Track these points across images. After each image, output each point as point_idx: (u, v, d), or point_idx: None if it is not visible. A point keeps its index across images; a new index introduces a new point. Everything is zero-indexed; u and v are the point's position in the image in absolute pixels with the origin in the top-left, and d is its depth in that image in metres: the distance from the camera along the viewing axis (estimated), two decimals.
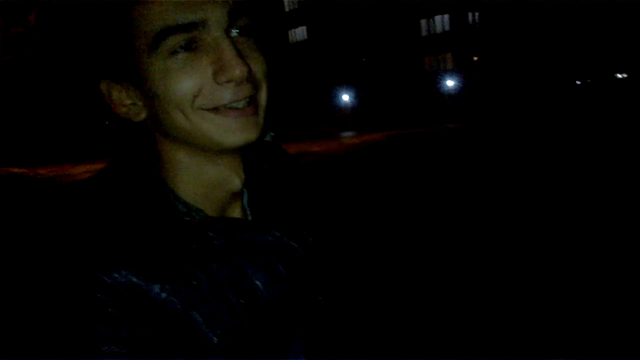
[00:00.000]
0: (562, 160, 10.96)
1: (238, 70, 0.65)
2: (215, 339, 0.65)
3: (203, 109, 0.66)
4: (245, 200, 0.79)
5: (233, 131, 0.68)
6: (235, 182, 0.75)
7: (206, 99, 0.66)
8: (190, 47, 0.64)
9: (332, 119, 28.77)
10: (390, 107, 27.85)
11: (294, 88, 30.86)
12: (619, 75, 29.64)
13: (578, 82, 29.55)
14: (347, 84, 29.82)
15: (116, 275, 0.61)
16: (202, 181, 0.72)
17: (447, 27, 31.06)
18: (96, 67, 0.68)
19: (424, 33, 31.92)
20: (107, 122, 0.78)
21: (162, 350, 0.61)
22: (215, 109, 0.67)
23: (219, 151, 0.70)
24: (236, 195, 0.77)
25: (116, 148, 0.76)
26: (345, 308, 0.86)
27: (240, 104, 0.68)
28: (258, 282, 0.71)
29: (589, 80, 29.35)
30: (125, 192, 0.68)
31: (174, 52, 0.64)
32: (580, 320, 3.51)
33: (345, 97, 29.77)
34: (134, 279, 0.61)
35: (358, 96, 29.20)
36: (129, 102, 0.68)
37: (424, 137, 18.41)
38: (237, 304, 0.68)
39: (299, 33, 37.30)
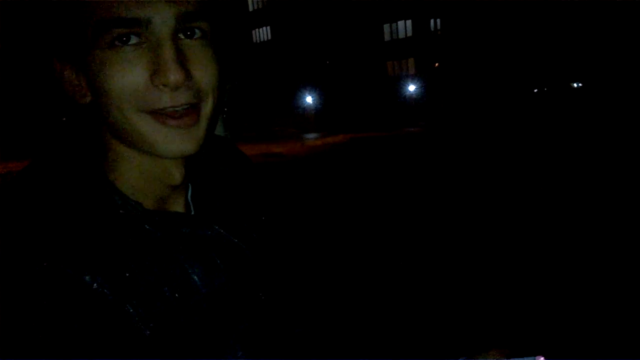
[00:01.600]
0: (517, 162, 11.23)
1: (172, 76, 0.63)
2: (147, 332, 0.63)
3: (140, 111, 0.65)
4: (189, 196, 0.78)
5: (170, 141, 0.66)
6: (176, 176, 0.72)
7: (142, 100, 0.64)
8: (129, 42, 0.62)
9: (295, 120, 28.77)
10: (353, 110, 28.02)
11: (257, 88, 30.71)
12: (575, 85, 30.56)
13: (535, 90, 30.32)
14: (311, 86, 29.86)
15: (48, 264, 0.59)
16: (142, 174, 0.71)
17: (409, 33, 31.49)
18: (48, 46, 0.67)
19: (386, 38, 32.28)
20: (63, 118, 0.76)
21: (95, 341, 0.60)
22: (152, 112, 0.65)
23: (159, 155, 0.68)
24: (179, 190, 0.75)
25: (54, 135, 0.74)
26: (290, 306, 0.84)
27: (178, 111, 0.65)
28: (195, 277, 0.69)
29: (545, 89, 30.16)
30: (59, 182, 0.66)
31: (113, 46, 0.62)
32: (580, 320, 3.53)
33: (309, 99, 29.80)
34: (67, 270, 0.59)
35: (321, 98, 29.28)
36: (76, 82, 0.67)
37: (385, 140, 18.62)
38: (171, 297, 0.66)
39: (263, 33, 37.17)
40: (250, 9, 37.35)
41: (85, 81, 0.66)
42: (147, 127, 0.65)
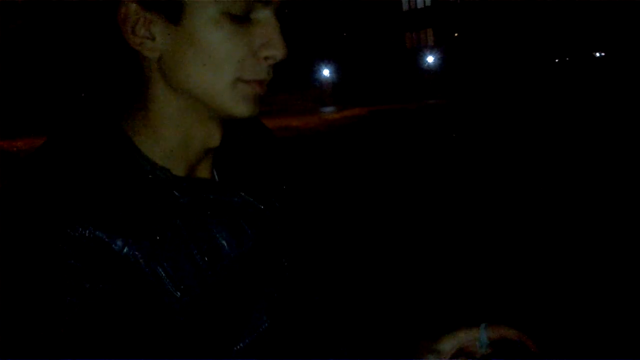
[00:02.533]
0: (543, 135, 11.07)
1: (282, 51, 0.69)
2: (178, 293, 0.66)
3: (237, 78, 0.68)
4: (212, 162, 0.80)
5: (246, 103, 0.70)
6: (216, 138, 0.75)
7: (242, 70, 0.68)
8: (245, 15, 0.67)
9: (312, 94, 28.58)
10: (371, 82, 27.73)
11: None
12: (597, 54, 29.87)
13: (557, 60, 29.72)
14: (328, 59, 29.58)
15: (80, 228, 0.61)
16: (183, 137, 0.72)
17: (428, 3, 30.94)
18: None
19: (405, 8, 31.77)
20: (82, 94, 0.76)
21: (125, 302, 0.62)
22: (247, 81, 0.69)
23: (221, 114, 0.72)
24: (206, 157, 0.77)
25: (74, 105, 0.75)
26: (310, 273, 0.87)
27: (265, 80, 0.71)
28: (223, 241, 0.72)
29: (567, 59, 29.53)
30: (88, 150, 0.67)
31: (228, 12, 0.65)
32: (580, 320, 3.51)
33: (326, 72, 29.55)
34: (98, 233, 0.62)
35: (339, 71, 29.00)
36: (144, 33, 0.66)
37: (405, 113, 18.40)
38: (200, 260, 0.69)
39: None
40: None
41: (168, 33, 0.66)
42: (234, 93, 0.69)
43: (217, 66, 0.67)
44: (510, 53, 27.78)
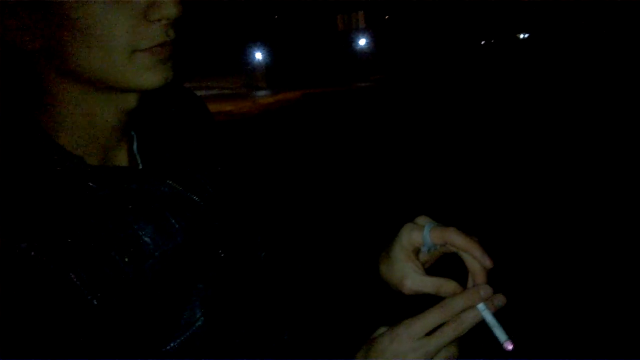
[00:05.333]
0: (468, 114, 11.41)
1: (173, 8, 0.61)
2: (95, 301, 0.59)
3: (131, 49, 0.61)
4: (135, 147, 0.73)
5: (152, 72, 0.63)
6: (131, 101, 0.68)
7: (137, 38, 0.61)
8: None
9: (245, 77, 28.18)
10: (304, 66, 27.64)
11: (203, 45, 29.85)
12: (521, 36, 30.96)
13: (482, 42, 30.61)
14: (260, 42, 29.22)
15: None
16: (90, 123, 0.66)
17: None
18: None
19: None
20: None
21: (35, 314, 0.55)
22: (142, 50, 0.62)
23: (127, 90, 0.65)
24: (123, 140, 0.71)
25: None
26: (248, 262, 0.80)
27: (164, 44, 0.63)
28: (147, 238, 0.65)
29: (492, 41, 30.46)
30: None
31: None
32: (580, 320, 3.56)
33: (258, 55, 29.20)
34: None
35: (271, 54, 28.69)
36: (15, 24, 0.59)
37: (338, 95, 18.55)
38: (120, 262, 0.62)
39: None
40: None
41: (40, 21, 0.59)
42: (134, 66, 0.62)
43: (103, 45, 0.59)
44: (439, 35, 28.39)
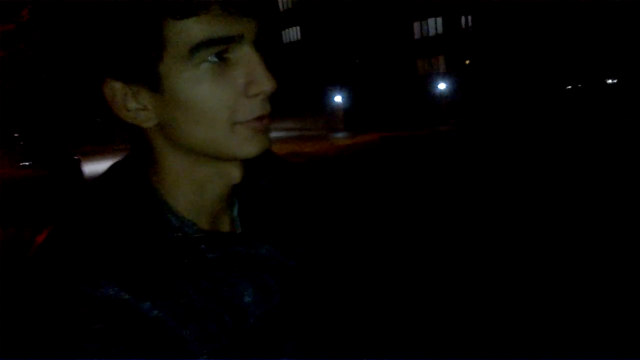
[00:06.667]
0: (555, 162, 11.02)
1: (269, 85, 0.65)
2: (205, 357, 0.64)
3: (233, 123, 0.66)
4: (235, 212, 0.78)
5: (250, 142, 0.68)
6: (235, 175, 0.73)
7: (238, 114, 0.66)
8: (221, 58, 0.63)
9: (324, 120, 28.75)
10: (383, 109, 27.85)
11: (286, 89, 30.79)
12: (609, 81, 29.83)
13: (569, 87, 29.70)
14: (340, 85, 29.79)
15: (105, 290, 0.60)
16: (200, 191, 0.71)
17: (439, 30, 31.16)
18: (105, 67, 0.63)
19: (416, 36, 32.00)
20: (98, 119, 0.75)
21: None
22: (244, 123, 0.67)
23: (229, 159, 0.70)
24: (228, 206, 0.76)
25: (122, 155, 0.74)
26: (335, 320, 0.85)
27: (264, 116, 0.68)
28: (249, 298, 0.70)
29: (579, 85, 29.51)
30: (119, 203, 0.66)
31: (203, 62, 0.62)
32: (580, 321, 3.52)
33: (338, 99, 29.74)
34: (125, 295, 0.60)
35: (350, 97, 29.17)
36: (135, 106, 0.65)
37: (416, 140, 18.43)
38: (226, 320, 0.67)
39: (293, 33, 37.24)
40: (281, 9, 37.45)
41: (154, 101, 0.65)
42: (235, 138, 0.66)
43: (208, 120, 0.65)
44: (522, 80, 27.82)
